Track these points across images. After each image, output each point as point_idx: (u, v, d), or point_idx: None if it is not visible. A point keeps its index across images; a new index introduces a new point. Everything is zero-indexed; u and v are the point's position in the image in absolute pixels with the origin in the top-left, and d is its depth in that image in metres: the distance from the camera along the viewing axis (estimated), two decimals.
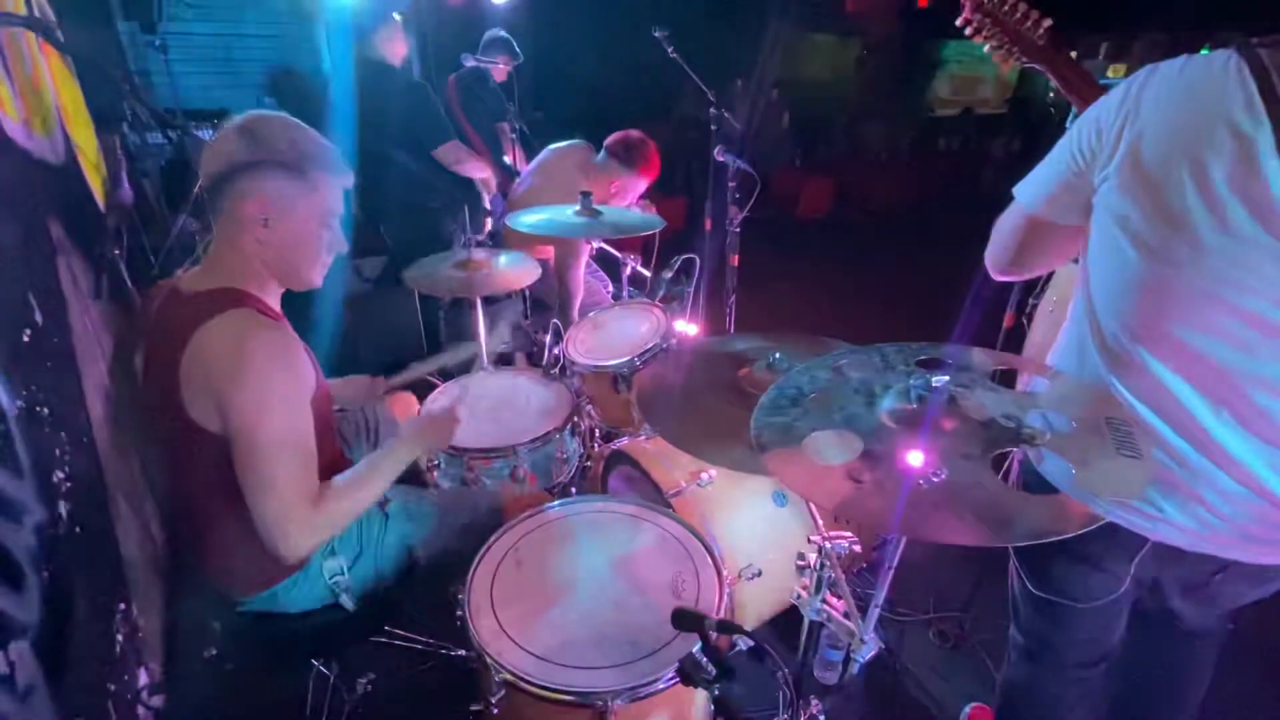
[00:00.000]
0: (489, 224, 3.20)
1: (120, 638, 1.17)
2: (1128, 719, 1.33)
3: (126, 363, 1.36)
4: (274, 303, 1.20)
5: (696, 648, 0.93)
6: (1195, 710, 1.27)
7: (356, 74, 2.64)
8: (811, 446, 0.88)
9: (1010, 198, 1.05)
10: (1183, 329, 0.86)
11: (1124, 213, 0.87)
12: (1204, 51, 0.84)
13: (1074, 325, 1.02)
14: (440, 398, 1.91)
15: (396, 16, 2.71)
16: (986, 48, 1.27)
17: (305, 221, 1.15)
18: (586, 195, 2.01)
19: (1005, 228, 1.08)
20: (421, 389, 1.92)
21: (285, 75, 4.08)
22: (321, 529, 1.11)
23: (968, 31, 1.27)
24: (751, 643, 1.10)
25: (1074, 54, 1.23)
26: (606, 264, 2.97)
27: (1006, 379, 0.99)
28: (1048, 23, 1.21)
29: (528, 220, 1.99)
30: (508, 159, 3.49)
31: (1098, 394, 0.94)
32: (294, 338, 1.15)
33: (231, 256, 1.14)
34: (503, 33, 3.50)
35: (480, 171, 2.94)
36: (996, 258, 1.12)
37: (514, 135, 3.34)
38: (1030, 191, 1.01)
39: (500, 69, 3.50)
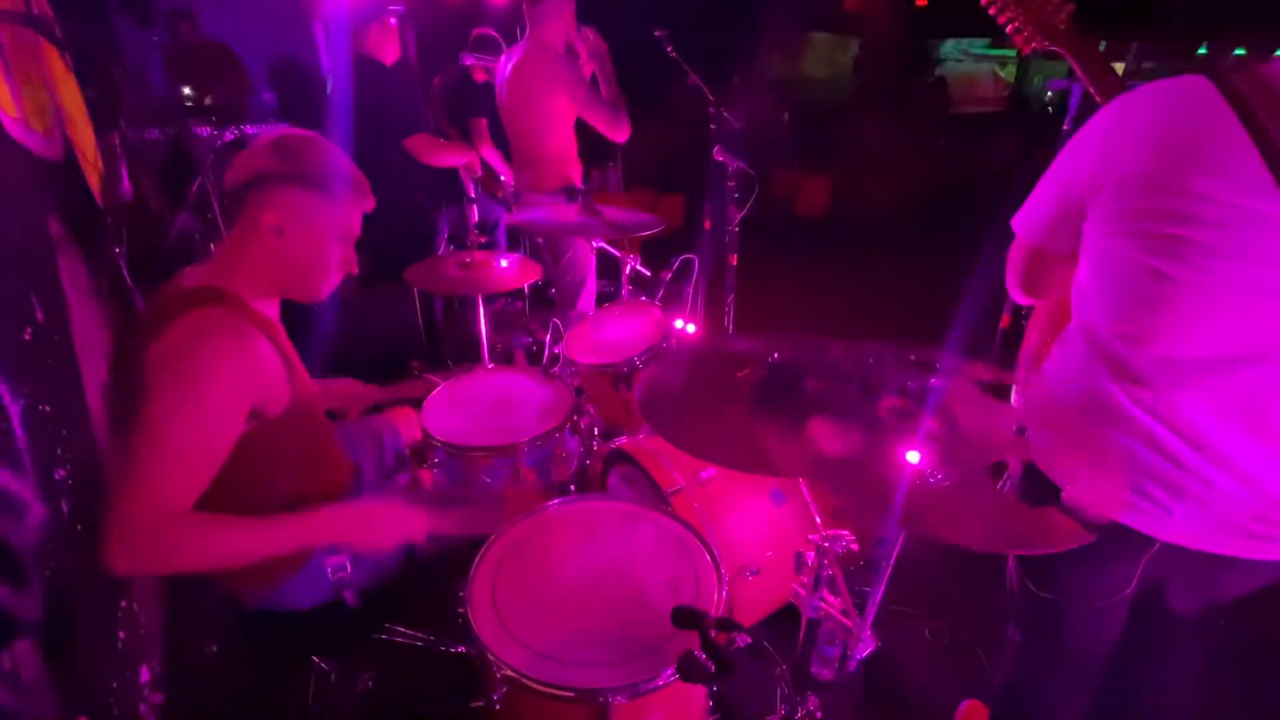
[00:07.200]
0: (475, 213, 3.21)
1: (122, 634, 1.18)
2: (1118, 713, 1.34)
3: (127, 360, 1.36)
4: (264, 306, 1.18)
5: (696, 645, 0.93)
6: (1188, 701, 1.28)
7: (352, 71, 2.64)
8: (811, 441, 0.89)
9: (1008, 203, 1.07)
10: (1183, 340, 0.88)
11: (1121, 233, 0.90)
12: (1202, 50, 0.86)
13: (1073, 334, 1.03)
14: (440, 397, 1.91)
15: (392, 22, 2.71)
16: (1008, 28, 1.26)
17: (319, 237, 1.15)
18: (585, 194, 2.02)
19: (1014, 260, 1.11)
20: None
21: (287, 69, 4.07)
22: (154, 553, 0.97)
23: (990, 11, 1.26)
24: (750, 640, 1.11)
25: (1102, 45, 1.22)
26: (607, 264, 2.97)
27: (1000, 388, 1.00)
28: (1070, 7, 1.20)
29: (527, 218, 1.99)
30: (484, 156, 3.46)
31: (1089, 406, 0.95)
32: (255, 348, 1.08)
33: (235, 258, 1.13)
34: (492, 32, 3.49)
35: (458, 157, 2.85)
36: (1013, 286, 1.15)
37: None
38: (1026, 224, 1.05)
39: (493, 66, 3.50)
